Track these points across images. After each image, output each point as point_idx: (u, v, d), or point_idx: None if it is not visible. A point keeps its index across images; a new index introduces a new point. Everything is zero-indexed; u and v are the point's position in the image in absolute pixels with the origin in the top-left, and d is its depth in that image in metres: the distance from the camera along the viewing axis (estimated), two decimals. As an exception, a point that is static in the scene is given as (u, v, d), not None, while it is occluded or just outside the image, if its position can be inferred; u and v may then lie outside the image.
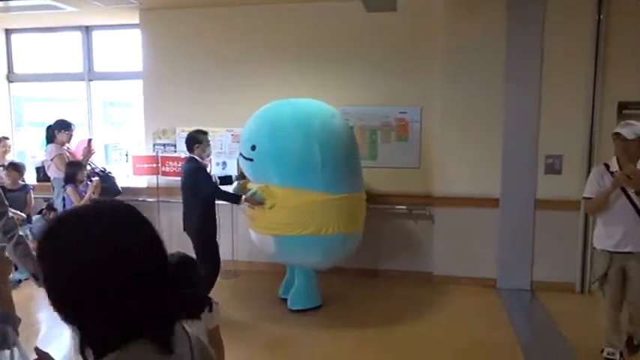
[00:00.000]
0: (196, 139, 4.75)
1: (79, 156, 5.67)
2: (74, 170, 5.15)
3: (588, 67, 5.20)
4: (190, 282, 2.45)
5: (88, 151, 5.56)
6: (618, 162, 3.54)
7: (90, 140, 5.69)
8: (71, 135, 5.69)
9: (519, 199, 5.44)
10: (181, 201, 4.89)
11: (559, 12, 5.22)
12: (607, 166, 3.64)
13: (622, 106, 5.25)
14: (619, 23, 5.13)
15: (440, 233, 5.70)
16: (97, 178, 5.49)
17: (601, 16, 5.13)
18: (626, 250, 3.51)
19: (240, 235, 5.96)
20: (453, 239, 5.65)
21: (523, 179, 5.43)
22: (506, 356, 3.99)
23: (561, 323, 4.62)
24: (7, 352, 2.04)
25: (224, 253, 5.98)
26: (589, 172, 5.24)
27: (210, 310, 2.52)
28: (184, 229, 4.87)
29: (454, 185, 5.59)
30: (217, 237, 4.93)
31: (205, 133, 4.87)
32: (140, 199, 6.27)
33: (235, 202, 4.94)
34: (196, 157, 4.74)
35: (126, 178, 6.36)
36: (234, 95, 6.03)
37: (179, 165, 5.58)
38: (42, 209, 5.93)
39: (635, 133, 3.40)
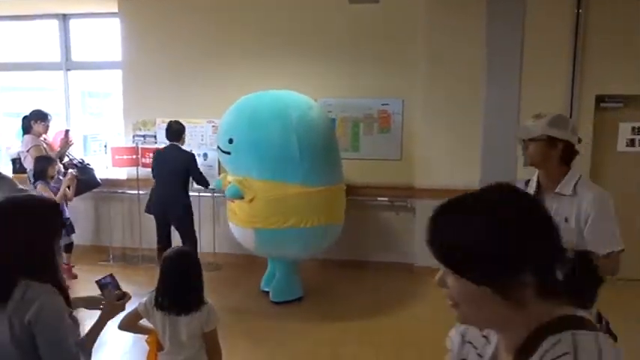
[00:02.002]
0: (183, 129, 5.24)
1: (57, 147, 5.56)
2: (43, 166, 4.96)
3: (567, 61, 5.26)
4: (188, 274, 2.43)
5: (66, 142, 5.46)
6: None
7: (67, 131, 5.59)
8: (48, 126, 5.57)
9: (499, 191, 5.48)
10: (156, 186, 5.23)
11: (539, 5, 5.27)
12: (528, 183, 2.51)
13: (599, 99, 5.34)
14: (598, 17, 5.20)
15: (421, 225, 5.70)
16: (71, 170, 5.39)
17: (580, 10, 5.19)
18: None
19: (221, 228, 5.93)
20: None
21: (503, 171, 5.48)
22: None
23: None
24: None
25: (205, 245, 5.98)
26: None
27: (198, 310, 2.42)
28: (162, 213, 5.18)
29: (435, 177, 5.63)
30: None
31: (182, 124, 5.31)
32: (120, 190, 6.20)
33: (206, 186, 5.36)
34: (180, 146, 5.20)
35: (105, 169, 6.26)
36: (215, 86, 5.97)
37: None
38: None
39: (534, 130, 2.30)
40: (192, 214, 5.27)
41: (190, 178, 5.21)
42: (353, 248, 5.81)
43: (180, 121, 5.34)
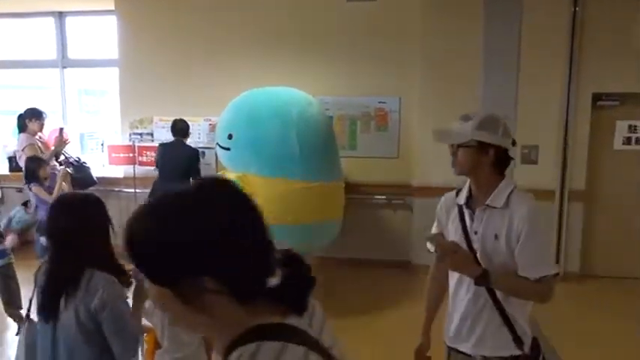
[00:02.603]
0: (188, 127, 5.46)
1: (52, 145, 5.53)
2: (33, 167, 4.83)
3: (564, 59, 5.27)
4: None
5: (61, 141, 5.43)
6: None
7: (62, 129, 5.55)
8: (42, 124, 5.52)
9: (496, 189, 5.50)
10: (159, 180, 5.34)
11: (536, 4, 5.27)
12: (459, 193, 2.20)
13: (596, 98, 5.35)
14: (594, 16, 5.20)
15: (418, 223, 5.74)
16: (62, 167, 5.36)
17: (577, 9, 5.19)
18: (462, 349, 2.26)
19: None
20: (431, 228, 5.68)
21: (500, 169, 5.49)
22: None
23: (535, 311, 4.69)
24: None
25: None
26: (564, 161, 5.37)
27: None
28: None
29: (432, 175, 5.63)
30: None
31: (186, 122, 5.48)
32: (117, 189, 6.18)
33: None
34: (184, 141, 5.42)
35: (102, 167, 6.25)
36: (212, 84, 5.96)
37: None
38: (26, 201, 5.75)
39: (461, 135, 1.99)
40: None
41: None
42: (350, 246, 5.81)
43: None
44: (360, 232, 5.84)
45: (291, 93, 4.79)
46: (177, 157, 5.32)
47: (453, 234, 2.10)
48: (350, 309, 4.70)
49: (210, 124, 5.97)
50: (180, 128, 5.41)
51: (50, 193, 4.88)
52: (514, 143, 2.00)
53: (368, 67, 5.74)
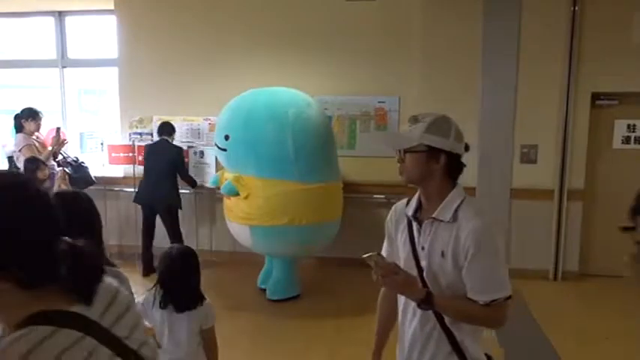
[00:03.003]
0: (174, 128, 5.57)
1: (49, 145, 5.51)
2: (33, 168, 4.84)
3: (563, 58, 5.27)
4: (190, 273, 2.45)
5: (57, 140, 5.42)
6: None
7: (58, 129, 5.53)
8: (39, 124, 5.49)
9: (495, 188, 5.52)
10: (143, 180, 5.52)
11: (535, 4, 5.28)
12: (409, 202, 1.99)
13: (595, 97, 5.36)
14: (593, 15, 5.21)
15: (418, 222, 5.75)
16: (60, 168, 5.37)
17: (576, 8, 5.20)
18: None
19: (218, 226, 5.93)
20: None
21: (499, 169, 5.51)
22: (480, 343, 4.06)
23: (535, 310, 4.73)
24: None
25: (203, 243, 5.98)
26: (563, 161, 5.37)
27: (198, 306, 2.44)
28: (149, 205, 5.49)
29: (432, 174, 5.63)
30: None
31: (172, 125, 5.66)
32: (117, 188, 6.19)
33: (193, 186, 5.67)
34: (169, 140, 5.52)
35: (101, 167, 6.25)
36: (211, 83, 5.97)
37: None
38: None
39: (409, 139, 1.77)
40: (177, 208, 5.51)
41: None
42: (349, 246, 5.79)
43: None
44: (359, 231, 5.83)
45: (289, 94, 4.79)
46: (162, 156, 5.41)
47: (402, 248, 1.92)
48: (348, 309, 4.71)
49: (209, 124, 5.97)
50: (164, 127, 5.54)
51: None
52: (467, 148, 1.81)
53: (367, 66, 5.74)
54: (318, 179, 4.56)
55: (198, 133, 6.03)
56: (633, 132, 5.40)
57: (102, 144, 6.16)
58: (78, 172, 5.57)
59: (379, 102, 5.77)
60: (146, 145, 5.68)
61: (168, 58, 6.10)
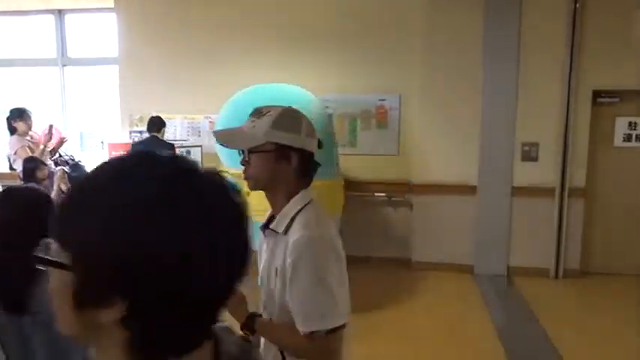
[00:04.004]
0: (164, 123, 5.43)
1: (41, 143, 5.45)
2: (32, 167, 4.77)
3: (564, 56, 5.26)
4: None
5: (50, 138, 5.38)
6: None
7: (51, 126, 5.49)
8: (29, 123, 5.42)
9: (496, 187, 5.51)
10: None
11: (536, 1, 5.27)
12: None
13: (596, 95, 5.35)
14: (594, 12, 5.19)
15: (418, 220, 5.75)
16: (60, 167, 5.34)
17: (577, 5, 5.18)
18: None
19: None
20: (431, 226, 5.71)
21: (500, 167, 5.50)
22: (482, 341, 4.07)
23: (536, 307, 4.72)
24: None
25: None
26: (564, 159, 5.36)
27: None
28: None
29: (432, 173, 5.63)
30: None
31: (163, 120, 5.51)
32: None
33: None
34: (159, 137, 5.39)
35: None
36: (212, 81, 5.95)
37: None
38: None
39: (252, 136, 1.51)
40: None
41: None
42: (350, 244, 5.76)
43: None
44: (360, 229, 5.83)
45: (290, 90, 4.78)
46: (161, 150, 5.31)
47: (261, 262, 1.65)
48: (352, 308, 4.70)
49: (210, 122, 5.96)
50: (153, 123, 5.41)
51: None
52: (320, 145, 1.61)
53: (368, 64, 5.73)
54: (319, 177, 4.53)
55: (199, 132, 6.02)
56: (634, 130, 5.39)
57: (102, 143, 6.15)
58: (75, 171, 5.54)
59: (380, 100, 5.76)
60: (133, 144, 5.55)
61: (169, 56, 6.10)
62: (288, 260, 1.42)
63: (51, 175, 5.08)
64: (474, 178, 5.56)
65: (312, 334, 1.39)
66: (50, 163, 5.35)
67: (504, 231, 5.56)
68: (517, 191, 5.49)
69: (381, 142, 5.81)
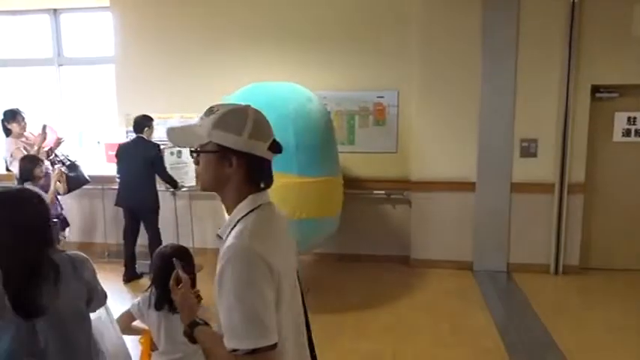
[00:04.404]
0: (147, 121, 5.34)
1: (35, 144, 5.40)
2: (29, 167, 4.75)
3: (563, 51, 5.23)
4: (187, 271, 2.40)
5: (43, 138, 5.35)
6: None
7: (45, 126, 5.45)
8: (23, 124, 5.37)
9: (495, 183, 5.49)
10: (120, 183, 5.39)
11: (534, -4, 5.25)
12: None
13: (595, 90, 5.32)
14: (593, 7, 5.16)
15: (417, 217, 5.73)
16: (58, 165, 5.31)
17: (575, 0, 5.15)
18: None
19: (214, 223, 5.89)
20: (430, 223, 5.69)
21: (499, 163, 5.48)
22: (483, 338, 4.05)
23: (536, 304, 4.71)
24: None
25: (198, 241, 5.94)
26: (563, 155, 5.35)
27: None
28: (130, 207, 5.35)
29: (431, 169, 5.61)
30: None
31: (152, 119, 5.43)
32: (114, 186, 6.13)
33: (174, 187, 5.48)
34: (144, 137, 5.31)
35: (98, 166, 6.20)
36: (209, 80, 5.92)
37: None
38: None
39: (196, 134, 1.45)
40: (158, 208, 5.36)
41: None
42: (349, 241, 5.80)
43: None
44: (359, 227, 5.81)
45: (290, 88, 4.76)
46: (136, 156, 5.21)
47: None
48: (350, 305, 4.69)
49: (207, 121, 5.92)
50: (137, 123, 5.31)
51: (45, 192, 4.83)
52: (277, 149, 1.49)
53: (366, 61, 5.70)
54: (318, 173, 4.52)
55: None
56: (634, 124, 5.36)
57: (99, 142, 6.10)
58: (72, 171, 5.51)
59: (378, 97, 5.73)
60: (120, 145, 5.46)
61: (165, 54, 6.06)
62: (217, 269, 1.33)
63: (47, 174, 5.05)
64: (472, 174, 5.54)
65: (234, 351, 1.29)
66: (46, 163, 5.31)
67: (504, 227, 5.54)
68: (516, 187, 5.47)
69: (380, 140, 5.78)
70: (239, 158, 1.40)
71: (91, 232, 6.49)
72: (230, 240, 1.35)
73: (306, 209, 4.44)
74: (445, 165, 5.58)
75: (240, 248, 1.31)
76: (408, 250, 5.80)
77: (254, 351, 1.26)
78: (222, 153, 1.40)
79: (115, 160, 5.45)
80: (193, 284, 2.33)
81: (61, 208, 5.31)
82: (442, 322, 4.32)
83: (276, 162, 4.87)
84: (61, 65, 6.66)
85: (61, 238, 5.15)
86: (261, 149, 1.43)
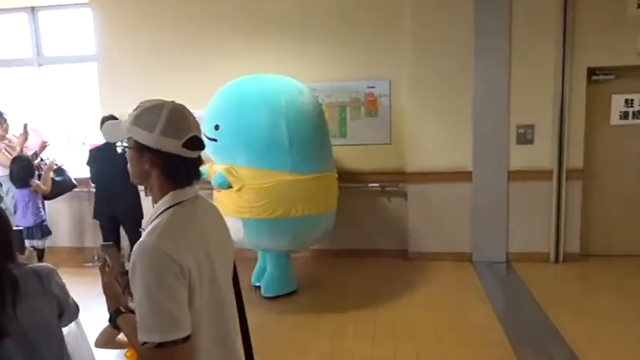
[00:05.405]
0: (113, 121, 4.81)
1: (17, 145, 5.26)
2: (29, 165, 4.82)
3: (557, 34, 5.10)
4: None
5: (25, 138, 5.20)
6: None
7: (25, 125, 5.27)
8: (5, 126, 5.24)
9: (492, 171, 5.37)
10: (96, 191, 5.13)
11: (526, -23, 5.10)
12: None
13: (591, 72, 5.21)
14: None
15: (414, 209, 5.61)
16: (49, 159, 5.24)
17: (568, -19, 5.03)
18: None
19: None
20: (427, 215, 5.57)
21: (495, 151, 5.36)
22: (484, 329, 3.94)
23: (537, 293, 4.62)
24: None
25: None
26: (561, 140, 5.23)
27: None
28: (111, 215, 5.02)
29: (426, 160, 5.48)
30: None
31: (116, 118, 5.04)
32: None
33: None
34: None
35: (85, 168, 6.02)
36: (195, 75, 5.75)
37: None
38: None
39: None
40: (142, 217, 4.87)
41: None
42: (345, 237, 5.66)
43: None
44: (354, 222, 5.68)
45: (281, 80, 4.60)
46: (110, 160, 4.63)
47: None
48: (348, 303, 4.56)
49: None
50: (102, 124, 4.87)
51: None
52: (195, 146, 1.46)
53: (355, 50, 5.55)
54: (313, 169, 4.38)
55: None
56: (631, 107, 5.26)
57: (83, 144, 5.91)
58: (59, 175, 5.37)
59: (369, 87, 5.58)
60: (90, 150, 5.08)
61: (148, 50, 5.87)
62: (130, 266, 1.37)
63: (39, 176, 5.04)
64: (468, 163, 5.42)
65: (144, 344, 1.33)
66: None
67: (502, 216, 5.43)
68: (513, 175, 5.35)
69: (372, 131, 5.64)
70: (152, 155, 1.43)
71: (81, 235, 6.32)
72: (143, 236, 1.37)
73: (302, 206, 4.31)
74: (440, 155, 5.45)
75: (148, 247, 1.34)
76: (406, 243, 5.68)
77: (162, 344, 1.30)
78: (138, 149, 1.44)
79: (88, 167, 5.07)
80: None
81: (44, 214, 5.18)
82: (443, 317, 4.21)
83: (270, 159, 4.70)
84: (41, 65, 6.45)
85: (36, 245, 5.00)
86: (173, 146, 1.42)
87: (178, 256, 1.34)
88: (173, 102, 1.51)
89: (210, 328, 1.46)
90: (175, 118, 1.46)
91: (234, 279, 1.74)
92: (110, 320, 1.55)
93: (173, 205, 1.44)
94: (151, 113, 1.44)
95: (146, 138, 1.42)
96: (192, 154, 1.46)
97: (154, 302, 1.31)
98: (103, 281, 1.61)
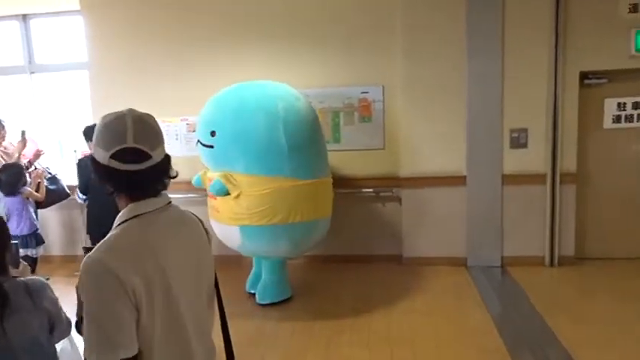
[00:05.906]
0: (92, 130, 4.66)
1: (14, 152, 5.23)
2: (21, 172, 4.81)
3: (550, 38, 5.12)
4: None
5: (23, 144, 5.17)
6: None
7: (23, 132, 5.25)
8: (2, 133, 5.22)
9: (486, 176, 5.37)
10: (89, 204, 4.77)
11: (518, -18, 5.12)
12: None
13: (583, 76, 5.22)
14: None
15: (408, 214, 5.60)
16: (39, 167, 5.19)
17: (560, -15, 5.05)
18: None
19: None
20: (421, 220, 5.55)
21: (489, 155, 5.36)
22: (481, 334, 3.92)
23: (533, 297, 4.61)
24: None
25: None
26: (554, 144, 5.24)
27: None
28: (97, 232, 4.52)
29: (420, 165, 5.48)
30: None
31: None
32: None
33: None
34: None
35: (74, 177, 5.98)
36: (187, 82, 5.73)
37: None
38: None
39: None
40: None
41: None
42: (338, 242, 5.64)
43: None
44: (348, 227, 5.66)
45: (277, 87, 4.57)
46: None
47: None
48: (344, 309, 4.53)
49: (187, 124, 5.74)
50: (85, 135, 4.38)
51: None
52: (128, 159, 1.38)
53: (348, 56, 5.55)
54: (311, 174, 4.36)
55: (176, 135, 5.78)
56: (624, 110, 5.27)
57: (75, 151, 5.88)
58: (53, 184, 5.34)
59: (362, 92, 5.58)
60: (77, 162, 4.91)
61: (141, 57, 5.85)
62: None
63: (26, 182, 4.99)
64: (462, 168, 5.42)
65: None
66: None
67: (496, 221, 5.42)
68: (507, 179, 5.35)
69: (366, 136, 5.63)
70: (95, 166, 1.41)
71: (73, 244, 6.26)
72: (92, 251, 1.33)
73: (300, 212, 4.29)
74: (434, 159, 5.45)
75: (92, 261, 1.29)
76: (400, 248, 5.66)
77: None
78: (93, 159, 1.43)
79: (78, 180, 4.80)
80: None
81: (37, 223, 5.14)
82: (439, 323, 4.19)
83: (268, 165, 4.67)
84: (33, 73, 6.41)
85: (30, 254, 4.96)
86: (102, 157, 1.39)
87: (121, 272, 1.28)
88: (117, 112, 1.46)
89: (165, 350, 1.38)
90: (107, 129, 1.41)
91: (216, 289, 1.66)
92: (76, 326, 1.50)
93: (130, 219, 1.38)
94: (98, 125, 1.45)
95: (92, 147, 1.44)
96: (127, 167, 1.37)
97: (93, 320, 1.27)
98: (76, 285, 1.51)
